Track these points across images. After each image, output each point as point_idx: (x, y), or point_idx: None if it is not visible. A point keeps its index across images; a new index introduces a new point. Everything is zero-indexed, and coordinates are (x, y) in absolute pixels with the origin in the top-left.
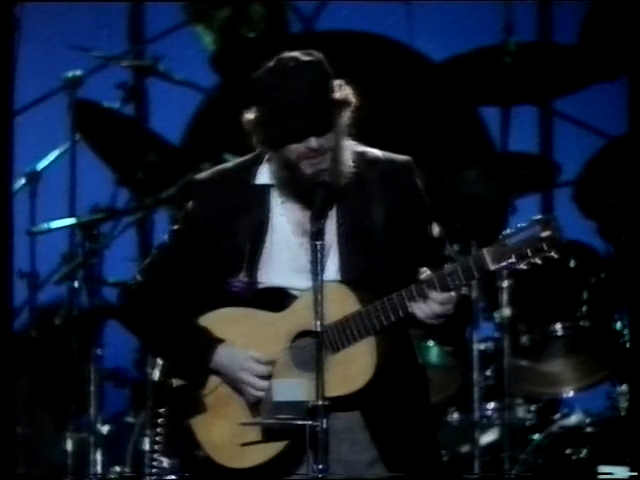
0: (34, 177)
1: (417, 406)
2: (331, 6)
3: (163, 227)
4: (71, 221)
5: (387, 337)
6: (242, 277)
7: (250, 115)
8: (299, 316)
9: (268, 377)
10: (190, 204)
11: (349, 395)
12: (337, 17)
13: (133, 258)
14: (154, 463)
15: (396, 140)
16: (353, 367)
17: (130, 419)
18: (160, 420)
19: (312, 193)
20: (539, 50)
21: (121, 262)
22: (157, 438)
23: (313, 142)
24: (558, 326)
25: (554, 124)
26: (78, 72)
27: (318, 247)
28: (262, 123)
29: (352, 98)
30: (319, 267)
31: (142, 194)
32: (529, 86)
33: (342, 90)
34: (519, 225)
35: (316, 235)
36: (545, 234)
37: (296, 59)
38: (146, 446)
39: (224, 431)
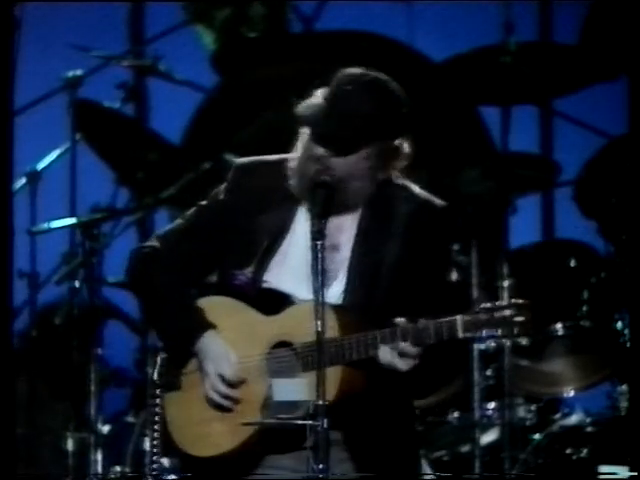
0: (34, 177)
1: (398, 430)
2: (331, 6)
3: (163, 227)
4: (71, 221)
5: (358, 368)
6: (248, 272)
7: (313, 100)
8: (285, 325)
9: (230, 383)
10: (223, 185)
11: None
12: (337, 17)
13: None
14: (154, 465)
15: None
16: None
17: (130, 419)
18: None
19: (313, 192)
20: (539, 50)
21: (121, 262)
22: (156, 428)
23: (329, 159)
24: (558, 326)
25: (554, 124)
26: (78, 72)
27: (319, 247)
28: (316, 110)
29: (404, 155)
30: (319, 267)
31: (142, 194)
32: (529, 86)
33: (399, 142)
34: (498, 302)
35: (317, 235)
36: (519, 319)
37: (376, 79)
38: (146, 446)
39: (190, 415)
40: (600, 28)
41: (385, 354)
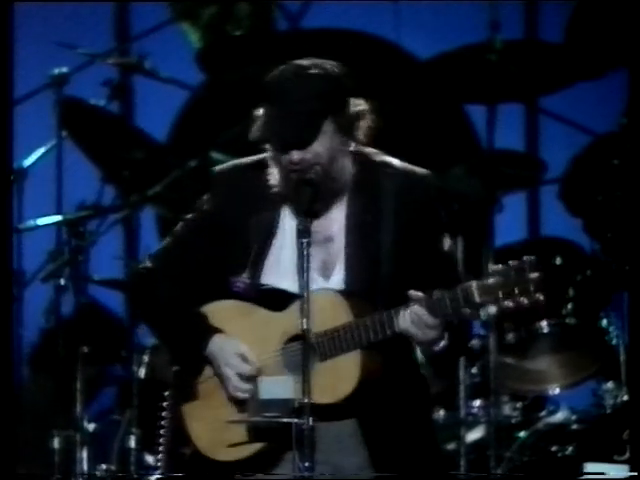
0: (20, 174)
1: (414, 416)
2: (317, 4)
3: (149, 225)
4: (57, 218)
5: (376, 352)
6: (245, 276)
7: (258, 114)
8: (296, 319)
9: (251, 378)
10: (206, 195)
11: (332, 404)
12: (323, 15)
13: (119, 256)
14: (158, 464)
15: (382, 137)
16: (336, 378)
17: (116, 417)
18: (163, 408)
19: (298, 190)
20: (525, 48)
21: (107, 260)
22: (161, 426)
23: (294, 155)
24: (544, 323)
25: (540, 122)
26: (64, 69)
27: (304, 245)
28: (263, 127)
29: (366, 116)
30: (305, 265)
31: (128, 192)
32: (515, 84)
33: (355, 106)
34: (510, 262)
35: (302, 233)
36: (533, 276)
37: (297, 70)
38: (132, 444)
39: (211, 422)
40: (585, 26)
41: (405, 322)
